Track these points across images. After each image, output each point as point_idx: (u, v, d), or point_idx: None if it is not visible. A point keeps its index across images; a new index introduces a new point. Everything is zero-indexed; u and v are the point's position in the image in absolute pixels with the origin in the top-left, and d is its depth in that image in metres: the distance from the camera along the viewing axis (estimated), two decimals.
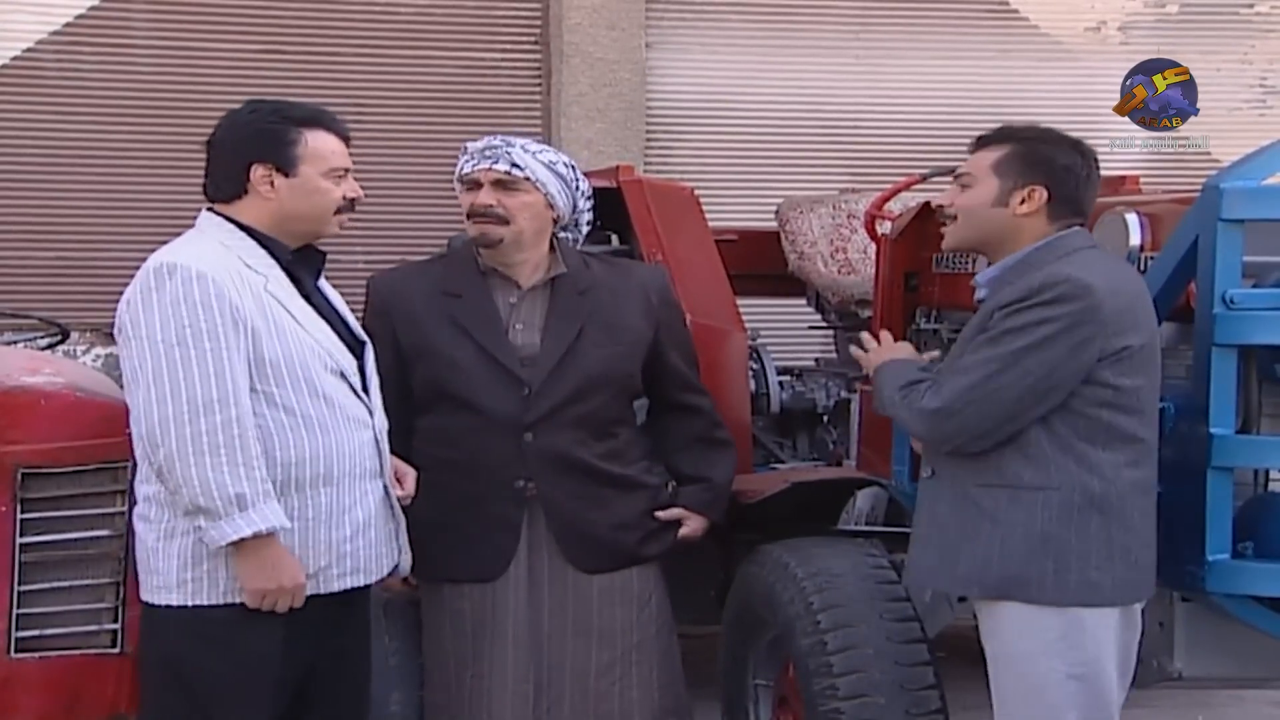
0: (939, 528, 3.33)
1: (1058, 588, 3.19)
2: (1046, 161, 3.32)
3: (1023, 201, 3.31)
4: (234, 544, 3.11)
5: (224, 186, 3.35)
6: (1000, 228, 3.35)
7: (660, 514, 3.94)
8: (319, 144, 3.34)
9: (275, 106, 3.40)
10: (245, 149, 3.32)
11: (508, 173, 3.76)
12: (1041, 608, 3.20)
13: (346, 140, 3.41)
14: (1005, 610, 3.24)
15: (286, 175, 3.31)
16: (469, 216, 3.81)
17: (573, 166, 3.88)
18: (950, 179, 3.50)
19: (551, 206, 3.81)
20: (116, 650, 3.52)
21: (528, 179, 3.76)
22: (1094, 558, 3.19)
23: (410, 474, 3.54)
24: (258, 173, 3.30)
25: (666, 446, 4.05)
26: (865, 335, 3.66)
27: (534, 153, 3.81)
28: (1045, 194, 3.30)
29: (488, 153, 3.79)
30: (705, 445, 4.06)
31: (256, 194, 3.31)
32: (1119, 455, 3.23)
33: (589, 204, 3.93)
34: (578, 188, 3.87)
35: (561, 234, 3.91)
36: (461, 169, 3.84)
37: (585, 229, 3.97)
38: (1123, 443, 3.23)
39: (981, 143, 3.42)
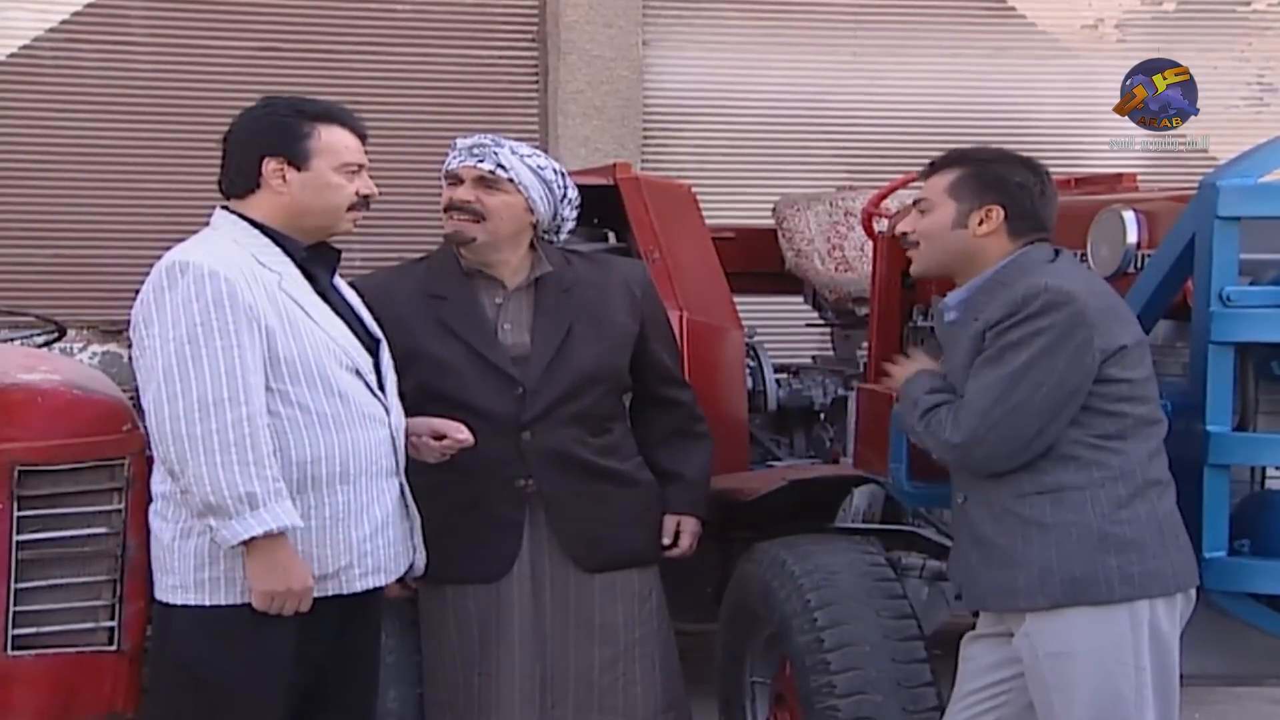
0: (986, 548, 3.27)
1: (1125, 583, 3.17)
2: (1000, 181, 3.35)
3: (981, 222, 3.34)
4: (245, 544, 3.09)
5: (237, 181, 3.34)
6: (963, 249, 3.37)
7: (668, 552, 3.96)
8: (333, 138, 3.33)
9: (290, 102, 3.39)
10: (258, 142, 3.31)
11: (491, 172, 3.75)
12: (1111, 606, 3.17)
13: (363, 138, 3.39)
14: (1072, 614, 3.19)
15: (299, 169, 3.29)
16: (445, 210, 3.80)
17: (562, 174, 3.86)
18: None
19: (531, 210, 3.79)
20: (114, 648, 3.51)
21: (510, 180, 3.75)
22: (1150, 546, 3.18)
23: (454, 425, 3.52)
24: (270, 166, 3.29)
25: (645, 439, 4.02)
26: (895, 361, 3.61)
27: (522, 155, 3.79)
28: (1002, 213, 3.33)
29: (475, 150, 3.78)
30: (682, 438, 4.04)
31: (269, 188, 3.30)
32: (1147, 443, 3.25)
33: (574, 213, 3.91)
34: (564, 196, 3.85)
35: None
36: (448, 164, 3.83)
37: (564, 236, 3.95)
38: (1147, 428, 3.25)
39: (934, 167, 3.45)
